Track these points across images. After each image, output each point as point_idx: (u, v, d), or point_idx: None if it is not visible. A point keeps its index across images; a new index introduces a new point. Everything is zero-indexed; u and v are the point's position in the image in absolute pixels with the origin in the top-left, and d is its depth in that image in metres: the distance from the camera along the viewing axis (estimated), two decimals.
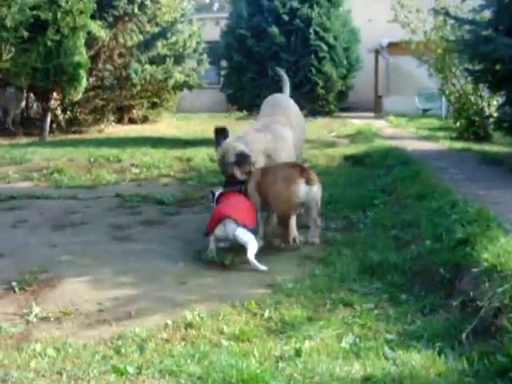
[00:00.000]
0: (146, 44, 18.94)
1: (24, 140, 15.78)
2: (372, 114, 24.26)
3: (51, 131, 17.06)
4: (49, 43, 14.47)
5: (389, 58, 24.92)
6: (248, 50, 15.27)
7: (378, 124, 18.74)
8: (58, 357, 3.60)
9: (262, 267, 5.32)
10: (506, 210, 5.88)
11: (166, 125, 21.58)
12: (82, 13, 14.93)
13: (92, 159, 11.02)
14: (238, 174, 6.32)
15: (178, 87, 19.89)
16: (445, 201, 6.31)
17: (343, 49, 15.38)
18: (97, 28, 16.80)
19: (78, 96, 15.93)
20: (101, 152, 11.63)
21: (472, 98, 13.79)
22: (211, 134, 6.94)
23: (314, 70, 14.82)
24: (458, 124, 14.37)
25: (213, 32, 22.73)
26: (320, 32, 14.85)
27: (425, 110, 22.99)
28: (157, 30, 19.34)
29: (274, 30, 14.73)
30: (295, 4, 14.95)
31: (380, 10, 20.38)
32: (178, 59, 19.56)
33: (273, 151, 6.55)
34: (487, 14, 10.30)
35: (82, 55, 15.33)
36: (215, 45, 19.27)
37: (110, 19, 18.07)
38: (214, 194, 6.22)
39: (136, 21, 18.77)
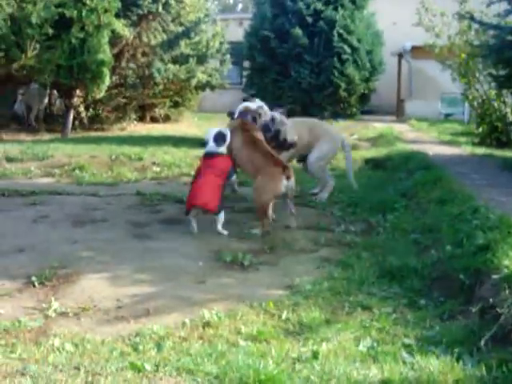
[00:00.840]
0: (170, 43, 18.99)
1: (46, 136, 15.90)
2: (394, 118, 24.18)
3: (73, 128, 17.16)
4: (73, 41, 14.55)
5: (412, 61, 24.81)
6: (271, 51, 15.27)
7: (400, 128, 18.66)
8: (76, 352, 3.62)
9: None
10: None
11: (187, 124, 21.65)
12: (106, 11, 15.01)
13: (113, 157, 11.08)
14: None
15: (201, 87, 19.91)
16: (466, 206, 6.27)
17: (366, 51, 15.33)
18: (121, 26, 16.88)
19: (100, 94, 16.01)
20: (122, 150, 11.70)
21: (495, 104, 13.71)
22: None
23: (336, 73, 14.78)
24: (480, 129, 14.29)
25: (236, 32, 22.77)
26: (344, 34, 14.81)
27: (447, 115, 22.88)
28: (180, 29, 19.38)
29: (298, 31, 14.72)
30: (319, 6, 14.92)
31: (404, 13, 20.30)
32: (201, 59, 19.59)
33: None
34: None
35: (106, 53, 15.41)
36: (238, 45, 19.29)
37: (134, 18, 18.14)
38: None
39: (160, 20, 18.83)
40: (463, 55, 13.99)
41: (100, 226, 6.74)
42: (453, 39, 14.54)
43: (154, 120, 21.71)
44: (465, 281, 4.59)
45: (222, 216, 6.55)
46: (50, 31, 13.79)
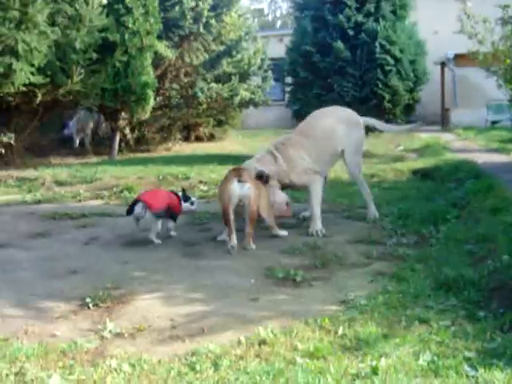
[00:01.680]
0: (212, 62, 19.16)
1: (94, 159, 16.13)
2: (439, 128, 23.93)
3: (120, 150, 17.39)
4: (117, 64, 14.78)
5: (455, 69, 24.56)
6: (313, 66, 15.21)
7: (446, 137, 18.46)
8: (134, 373, 3.62)
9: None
10: None
11: (231, 142, 21.74)
12: (148, 33, 15.22)
13: (161, 177, 11.17)
14: None
15: (244, 104, 20.01)
16: None
17: (409, 61, 15.16)
18: (163, 48, 17.12)
19: (145, 115, 16.21)
20: (169, 170, 11.79)
21: None
22: None
23: (380, 84, 14.65)
24: None
25: (277, 49, 22.87)
26: (386, 45, 14.68)
27: (494, 122, 22.55)
28: (222, 48, 19.56)
29: (339, 44, 14.64)
30: (360, 18, 14.84)
31: (445, 22, 20.12)
32: (244, 76, 19.72)
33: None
34: None
35: (150, 75, 15.60)
36: (280, 61, 19.31)
37: (176, 39, 18.38)
38: None
39: (201, 40, 19.03)
40: (508, 61, 13.75)
41: (151, 246, 6.76)
42: (497, 45, 14.31)
43: (198, 139, 21.87)
44: None
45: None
46: (94, 55, 14.01)
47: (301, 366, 3.62)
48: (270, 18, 51.84)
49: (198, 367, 3.66)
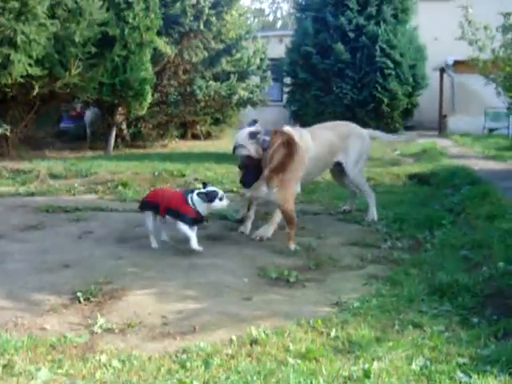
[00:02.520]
0: (211, 60, 19.13)
1: (89, 153, 16.06)
2: (436, 133, 23.93)
3: (116, 145, 17.34)
4: (116, 59, 14.74)
5: (454, 76, 24.56)
6: (313, 67, 15.22)
7: (443, 143, 18.45)
8: (124, 369, 3.58)
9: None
10: None
11: (228, 141, 21.68)
12: (148, 29, 15.18)
13: (156, 173, 11.13)
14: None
15: (242, 104, 19.98)
16: None
17: (409, 66, 15.17)
18: (163, 44, 17.08)
19: (142, 111, 16.18)
20: (165, 166, 11.74)
21: None
22: None
23: (379, 88, 14.66)
24: None
25: (276, 49, 22.81)
26: (386, 49, 14.68)
27: (491, 130, 22.56)
28: (221, 46, 19.53)
29: (340, 46, 14.65)
30: (361, 21, 14.84)
31: (445, 28, 20.12)
32: (242, 76, 19.70)
33: None
34: None
35: (148, 71, 15.57)
36: (279, 61, 19.30)
37: (176, 35, 18.35)
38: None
39: (201, 37, 19.00)
40: (508, 68, 13.75)
41: (144, 242, 6.71)
42: (497, 52, 14.30)
43: (195, 137, 21.84)
44: None
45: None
46: (93, 49, 13.98)
47: (292, 367, 3.58)
48: (270, 18, 51.77)
49: (188, 365, 3.62)
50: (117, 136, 17.49)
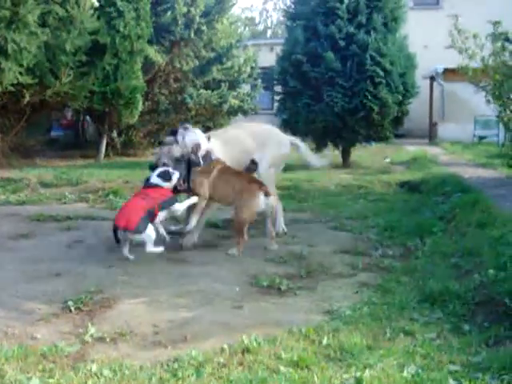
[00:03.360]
0: (202, 69, 19.17)
1: (80, 162, 16.04)
2: (426, 141, 24.03)
3: (107, 154, 17.31)
4: (107, 67, 14.76)
5: (444, 84, 24.67)
6: (303, 76, 15.22)
7: (433, 151, 18.54)
8: (115, 378, 3.57)
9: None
10: None
11: None
12: (139, 38, 15.21)
13: None
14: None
15: (233, 112, 20.01)
16: (508, 229, 6.14)
17: (399, 74, 15.19)
18: (153, 53, 17.10)
19: (133, 119, 16.17)
20: None
21: None
22: None
23: (369, 96, 14.66)
24: None
25: (267, 58, 22.89)
26: (376, 57, 14.69)
27: (481, 138, 22.66)
28: (212, 55, 19.57)
29: (330, 55, 14.65)
30: (351, 29, 14.86)
31: (435, 36, 20.22)
32: (233, 84, 19.75)
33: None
34: None
35: (139, 79, 15.59)
36: (270, 70, 19.33)
37: (167, 44, 18.38)
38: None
39: (192, 46, 19.04)
40: (497, 76, 13.80)
41: (135, 250, 6.69)
42: (486, 61, 14.36)
43: None
44: (510, 305, 4.46)
45: (148, 235, 6.11)
46: (84, 58, 14.01)
47: (284, 375, 3.58)
48: (261, 27, 51.88)
49: (180, 374, 3.61)
50: (108, 144, 17.47)
